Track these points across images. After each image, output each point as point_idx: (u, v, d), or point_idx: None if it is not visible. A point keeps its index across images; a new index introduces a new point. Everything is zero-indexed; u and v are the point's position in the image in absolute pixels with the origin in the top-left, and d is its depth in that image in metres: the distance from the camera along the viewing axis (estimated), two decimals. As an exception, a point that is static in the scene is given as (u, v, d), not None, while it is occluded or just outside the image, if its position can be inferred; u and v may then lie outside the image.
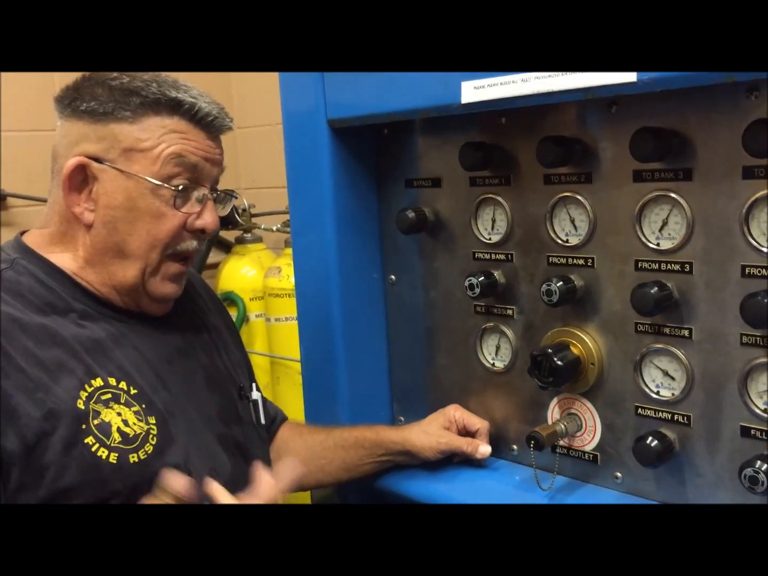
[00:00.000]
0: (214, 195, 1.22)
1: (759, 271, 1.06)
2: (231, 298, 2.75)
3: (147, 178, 1.14)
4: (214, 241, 2.90)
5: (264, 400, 1.45)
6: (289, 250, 2.50)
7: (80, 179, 1.15)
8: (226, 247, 3.03)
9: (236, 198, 1.32)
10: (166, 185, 1.14)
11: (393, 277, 1.52)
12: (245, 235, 2.85)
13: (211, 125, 1.18)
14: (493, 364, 1.39)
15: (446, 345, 1.46)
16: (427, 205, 1.42)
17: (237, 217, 2.78)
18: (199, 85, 1.20)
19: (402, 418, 1.55)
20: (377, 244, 1.52)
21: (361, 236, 1.49)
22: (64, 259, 1.19)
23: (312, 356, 1.56)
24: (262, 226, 2.80)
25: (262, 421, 1.38)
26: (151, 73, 1.17)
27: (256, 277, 2.74)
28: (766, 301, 1.01)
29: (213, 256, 2.93)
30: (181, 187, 1.15)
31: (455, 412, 1.41)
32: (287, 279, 2.51)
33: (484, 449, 1.37)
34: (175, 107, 1.15)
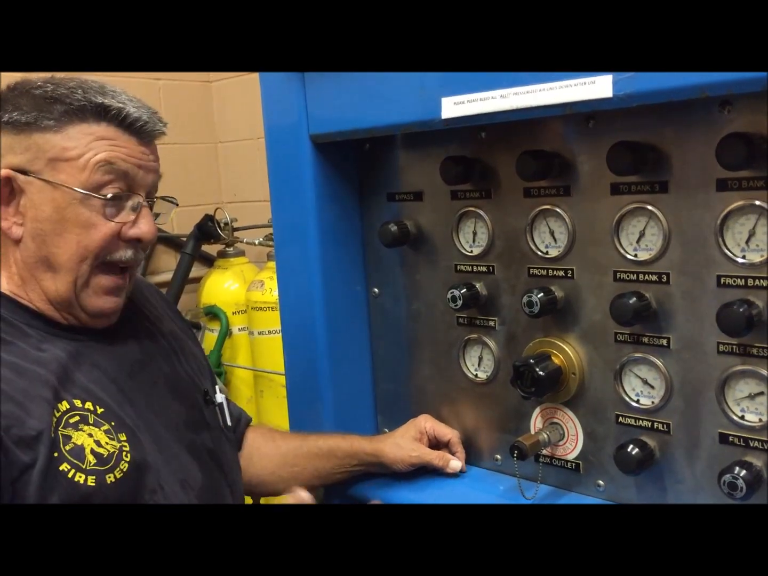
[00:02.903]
0: (150, 203, 1.18)
1: (734, 281, 1.08)
2: (214, 312, 2.74)
3: (74, 188, 1.10)
4: (196, 254, 2.90)
5: (228, 401, 1.44)
6: (272, 264, 2.51)
7: (7, 192, 1.12)
8: (209, 261, 3.03)
9: (177, 205, 1.28)
10: (94, 195, 1.11)
11: (376, 289, 1.53)
12: (227, 248, 2.85)
13: (141, 131, 1.14)
14: (476, 375, 1.41)
15: (429, 356, 1.47)
16: (409, 219, 1.43)
17: (219, 231, 2.78)
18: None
19: (386, 430, 1.55)
20: (360, 257, 1.53)
21: (344, 249, 1.50)
22: (3, 281, 1.15)
23: (296, 369, 1.56)
24: (245, 240, 2.80)
25: (229, 423, 1.38)
26: (77, 80, 1.14)
27: (239, 291, 2.75)
28: (741, 310, 1.03)
29: (195, 270, 2.93)
30: (110, 196, 1.12)
31: (426, 423, 1.42)
32: (270, 292, 2.52)
33: (455, 464, 1.38)
34: (102, 113, 1.11)
